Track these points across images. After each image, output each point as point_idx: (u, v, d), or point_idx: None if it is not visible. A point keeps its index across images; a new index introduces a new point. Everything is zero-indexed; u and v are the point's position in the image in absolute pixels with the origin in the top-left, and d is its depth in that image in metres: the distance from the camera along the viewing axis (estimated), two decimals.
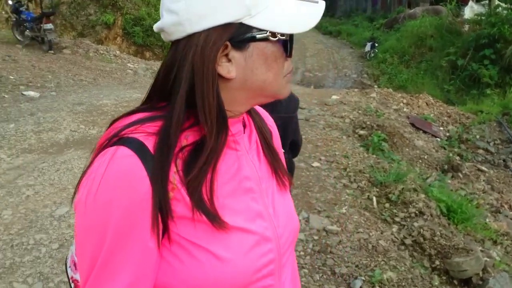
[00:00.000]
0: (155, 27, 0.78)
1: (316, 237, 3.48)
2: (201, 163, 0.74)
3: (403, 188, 4.28)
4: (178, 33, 0.73)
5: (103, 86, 8.31)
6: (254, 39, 0.74)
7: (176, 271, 0.73)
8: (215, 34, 0.71)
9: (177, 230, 0.72)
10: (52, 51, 9.97)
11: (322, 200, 4.15)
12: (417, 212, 3.91)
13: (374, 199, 4.22)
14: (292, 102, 1.91)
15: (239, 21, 0.72)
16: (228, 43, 0.73)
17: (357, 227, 3.67)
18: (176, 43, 0.75)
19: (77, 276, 1.03)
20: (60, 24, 13.20)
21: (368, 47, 17.17)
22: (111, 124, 0.79)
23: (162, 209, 0.70)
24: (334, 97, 9.25)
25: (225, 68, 0.74)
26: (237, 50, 0.74)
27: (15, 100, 6.67)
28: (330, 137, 6.25)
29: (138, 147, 0.70)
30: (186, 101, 0.73)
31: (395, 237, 3.60)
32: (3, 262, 2.86)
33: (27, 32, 10.03)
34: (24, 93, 7.08)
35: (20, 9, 10.19)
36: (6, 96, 6.77)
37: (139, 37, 13.19)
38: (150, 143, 0.71)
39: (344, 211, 3.94)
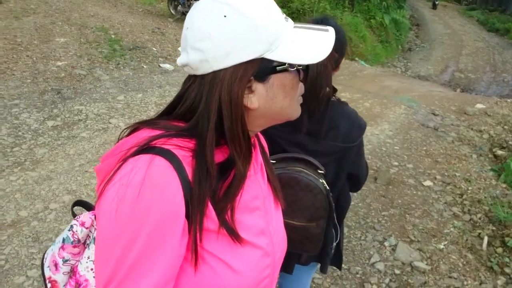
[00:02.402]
0: (179, 62, 0.82)
1: (397, 271, 3.08)
2: (233, 189, 0.80)
3: None
4: (204, 69, 0.77)
5: None
6: (274, 71, 0.79)
7: (192, 280, 0.77)
8: (241, 70, 0.76)
9: (200, 242, 0.76)
10: None
11: (420, 228, 3.66)
12: None
13: (486, 239, 3.58)
14: (354, 131, 1.59)
15: (261, 56, 0.77)
16: (252, 77, 0.78)
17: (451, 270, 3.15)
18: (200, 77, 0.79)
19: (56, 277, 1.00)
20: None
21: None
22: (131, 132, 0.83)
23: (194, 223, 0.74)
24: (478, 105, 8.19)
25: (248, 99, 0.79)
26: (259, 82, 0.79)
27: (151, 71, 7.20)
28: (456, 154, 5.52)
29: (173, 159, 0.73)
30: (215, 129, 0.78)
31: None
32: None
33: (179, 7, 10.75)
34: (161, 65, 7.61)
35: None
36: (145, 66, 7.34)
37: None
38: (184, 158, 0.75)
39: (442, 247, 3.42)
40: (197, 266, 0.77)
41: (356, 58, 13.18)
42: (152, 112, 5.45)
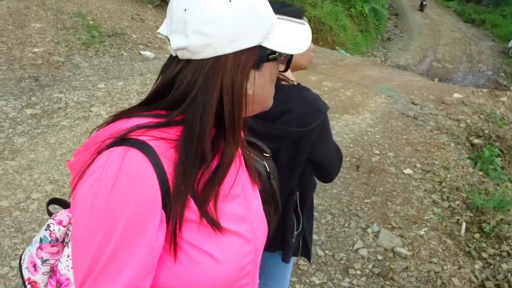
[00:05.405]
0: (174, 45, 0.76)
1: (380, 257, 3.15)
2: (218, 177, 0.80)
3: (502, 219, 3.68)
4: (205, 54, 0.75)
5: None
6: (268, 59, 0.81)
7: (173, 271, 0.76)
8: (244, 57, 0.76)
9: (180, 233, 0.75)
10: None
11: (402, 215, 3.74)
12: (511, 251, 3.33)
13: (464, 225, 3.69)
14: (310, 114, 1.49)
15: (260, 44, 0.78)
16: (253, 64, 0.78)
17: (431, 256, 3.23)
18: (197, 62, 0.76)
19: (36, 278, 0.99)
20: None
21: None
22: (107, 124, 0.80)
23: (174, 215, 0.73)
24: (456, 95, 8.36)
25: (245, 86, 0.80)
26: (255, 69, 0.80)
27: (131, 59, 7.08)
28: (435, 142, 5.64)
29: (148, 150, 0.72)
30: (215, 118, 0.77)
31: (474, 276, 3.11)
32: None
33: None
34: (142, 52, 7.49)
35: None
36: (124, 54, 7.22)
37: None
38: (160, 148, 0.74)
39: (423, 233, 3.51)
40: (176, 257, 0.76)
41: (337, 47, 13.25)
42: (133, 100, 5.38)
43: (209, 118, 0.76)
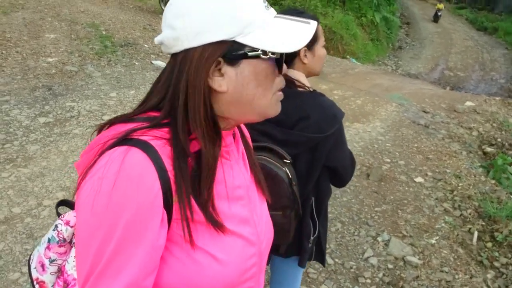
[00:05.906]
0: (156, 40, 0.82)
1: (390, 266, 3.12)
2: (204, 173, 0.78)
3: None
4: (176, 47, 0.78)
5: None
6: (246, 56, 0.78)
7: (176, 271, 0.76)
8: (210, 50, 0.76)
9: (181, 233, 0.75)
10: None
11: (412, 223, 3.71)
12: None
13: (476, 234, 3.64)
14: (326, 121, 1.50)
15: (233, 39, 0.76)
16: (221, 59, 0.77)
17: (442, 265, 3.19)
18: (174, 56, 0.79)
19: (44, 278, 1.00)
20: None
21: None
22: (109, 125, 0.81)
23: (182, 214, 0.74)
24: (468, 103, 8.30)
25: (216, 82, 0.78)
26: (230, 65, 0.78)
27: (143, 68, 7.16)
28: (447, 151, 5.59)
29: (149, 149, 0.73)
30: (185, 112, 0.77)
31: (487, 285, 3.05)
32: None
33: None
34: (153, 62, 7.57)
35: None
36: (136, 63, 7.30)
37: None
38: (160, 147, 0.74)
39: (434, 241, 3.47)
40: (177, 256, 0.76)
41: (348, 56, 13.24)
42: None
43: (180, 110, 0.77)
